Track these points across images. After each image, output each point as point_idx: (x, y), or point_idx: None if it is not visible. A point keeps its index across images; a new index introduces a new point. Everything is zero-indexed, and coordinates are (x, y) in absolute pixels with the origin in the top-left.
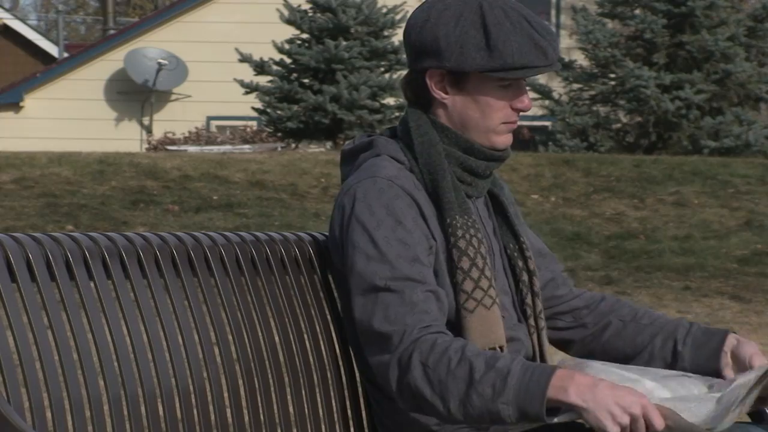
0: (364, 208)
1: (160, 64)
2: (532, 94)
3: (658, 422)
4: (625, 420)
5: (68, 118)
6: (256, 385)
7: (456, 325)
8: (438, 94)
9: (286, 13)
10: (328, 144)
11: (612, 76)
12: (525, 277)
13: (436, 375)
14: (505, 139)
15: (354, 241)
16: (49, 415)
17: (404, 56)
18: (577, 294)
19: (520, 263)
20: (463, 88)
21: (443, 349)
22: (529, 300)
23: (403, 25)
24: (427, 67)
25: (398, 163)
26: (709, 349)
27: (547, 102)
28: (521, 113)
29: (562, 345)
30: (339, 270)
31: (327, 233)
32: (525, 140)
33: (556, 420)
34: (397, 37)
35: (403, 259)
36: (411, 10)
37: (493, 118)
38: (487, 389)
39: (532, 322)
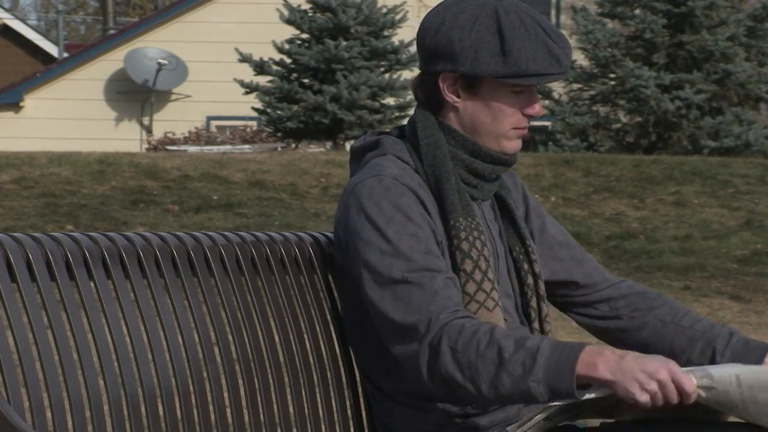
0: (372, 205)
1: (160, 64)
2: None
3: (689, 385)
4: (653, 386)
5: (68, 118)
6: (256, 385)
7: None
8: (450, 97)
9: (286, 13)
10: (328, 144)
11: (612, 76)
12: (530, 280)
13: (465, 358)
14: (515, 145)
15: (365, 239)
16: (49, 415)
17: (404, 56)
18: (613, 282)
19: (526, 266)
20: (476, 92)
21: (472, 332)
22: (534, 303)
23: (403, 25)
24: (440, 70)
25: (403, 163)
26: (748, 362)
27: (547, 102)
28: (531, 119)
29: (599, 334)
30: (341, 267)
31: (327, 233)
32: (525, 140)
33: (587, 396)
34: (397, 37)
35: (416, 251)
36: (411, 10)
37: (504, 124)
38: (518, 368)
39: (536, 325)
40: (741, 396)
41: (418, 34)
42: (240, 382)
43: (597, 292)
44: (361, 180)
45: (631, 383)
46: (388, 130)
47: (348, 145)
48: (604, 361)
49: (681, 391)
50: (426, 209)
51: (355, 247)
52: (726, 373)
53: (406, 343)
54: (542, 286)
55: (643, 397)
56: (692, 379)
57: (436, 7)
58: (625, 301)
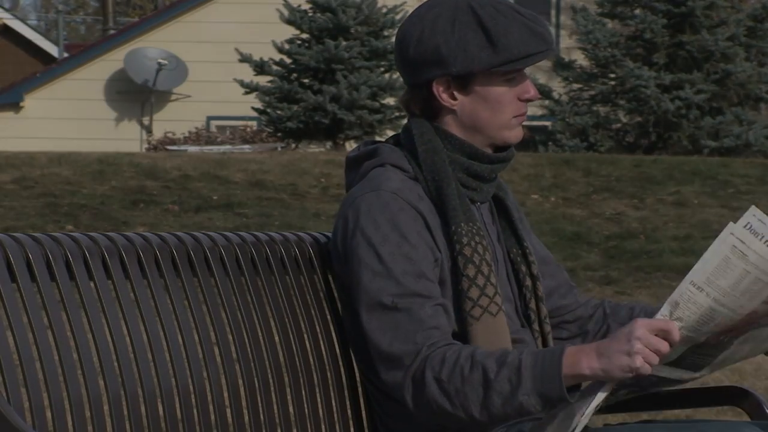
0: (369, 222)
1: (160, 64)
2: None
3: (664, 323)
4: (637, 346)
5: (68, 118)
6: (256, 385)
7: (461, 334)
8: (447, 101)
9: (286, 13)
10: (328, 144)
11: (612, 76)
12: (528, 282)
13: (452, 386)
14: (517, 133)
15: (359, 256)
16: (49, 415)
17: None
18: (582, 302)
19: (524, 268)
20: (470, 90)
21: (454, 360)
22: (533, 305)
23: None
24: (432, 77)
25: (402, 171)
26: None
27: (547, 102)
28: (529, 103)
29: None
30: (340, 275)
31: (327, 233)
32: (525, 140)
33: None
34: None
35: (409, 275)
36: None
37: (505, 114)
38: (505, 386)
39: (536, 326)
40: (709, 297)
41: (399, 49)
42: (240, 382)
43: (569, 313)
44: (361, 194)
45: (618, 358)
46: (382, 140)
47: (348, 145)
48: (585, 356)
49: (662, 333)
50: (426, 223)
51: (350, 262)
52: (683, 288)
53: (390, 372)
54: (540, 288)
55: (637, 361)
56: (664, 317)
57: (408, 19)
58: (591, 318)
